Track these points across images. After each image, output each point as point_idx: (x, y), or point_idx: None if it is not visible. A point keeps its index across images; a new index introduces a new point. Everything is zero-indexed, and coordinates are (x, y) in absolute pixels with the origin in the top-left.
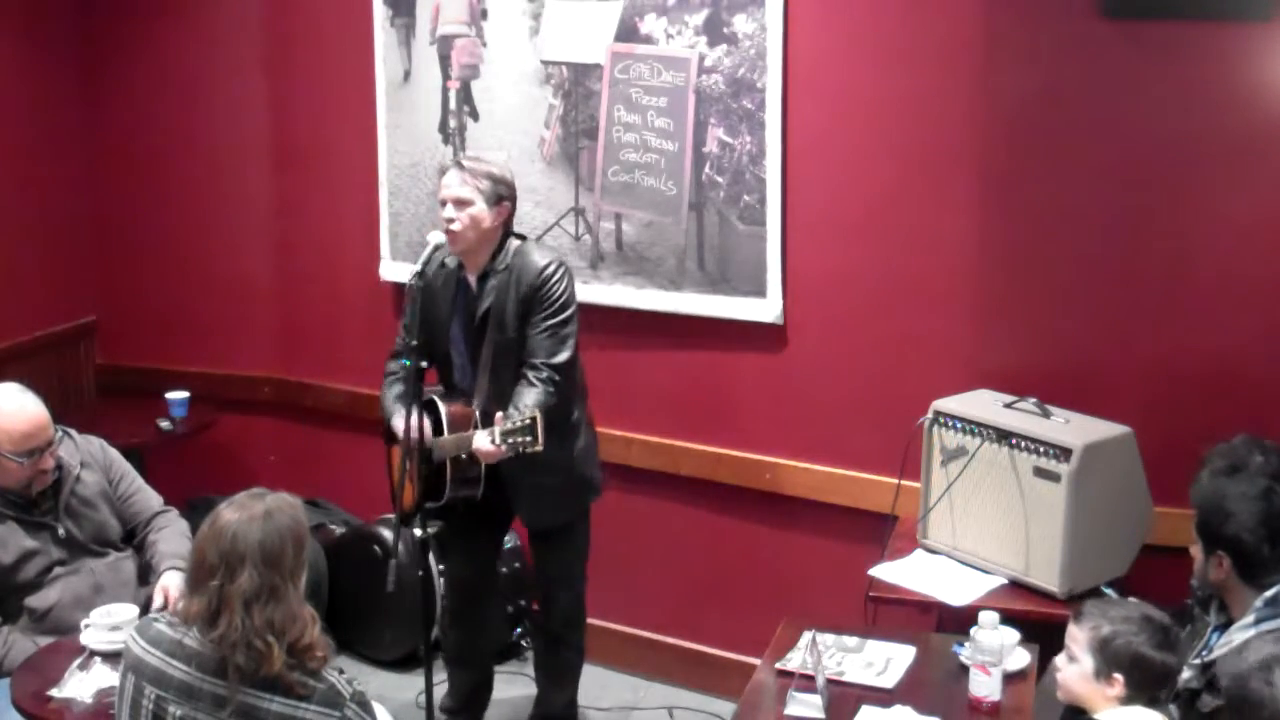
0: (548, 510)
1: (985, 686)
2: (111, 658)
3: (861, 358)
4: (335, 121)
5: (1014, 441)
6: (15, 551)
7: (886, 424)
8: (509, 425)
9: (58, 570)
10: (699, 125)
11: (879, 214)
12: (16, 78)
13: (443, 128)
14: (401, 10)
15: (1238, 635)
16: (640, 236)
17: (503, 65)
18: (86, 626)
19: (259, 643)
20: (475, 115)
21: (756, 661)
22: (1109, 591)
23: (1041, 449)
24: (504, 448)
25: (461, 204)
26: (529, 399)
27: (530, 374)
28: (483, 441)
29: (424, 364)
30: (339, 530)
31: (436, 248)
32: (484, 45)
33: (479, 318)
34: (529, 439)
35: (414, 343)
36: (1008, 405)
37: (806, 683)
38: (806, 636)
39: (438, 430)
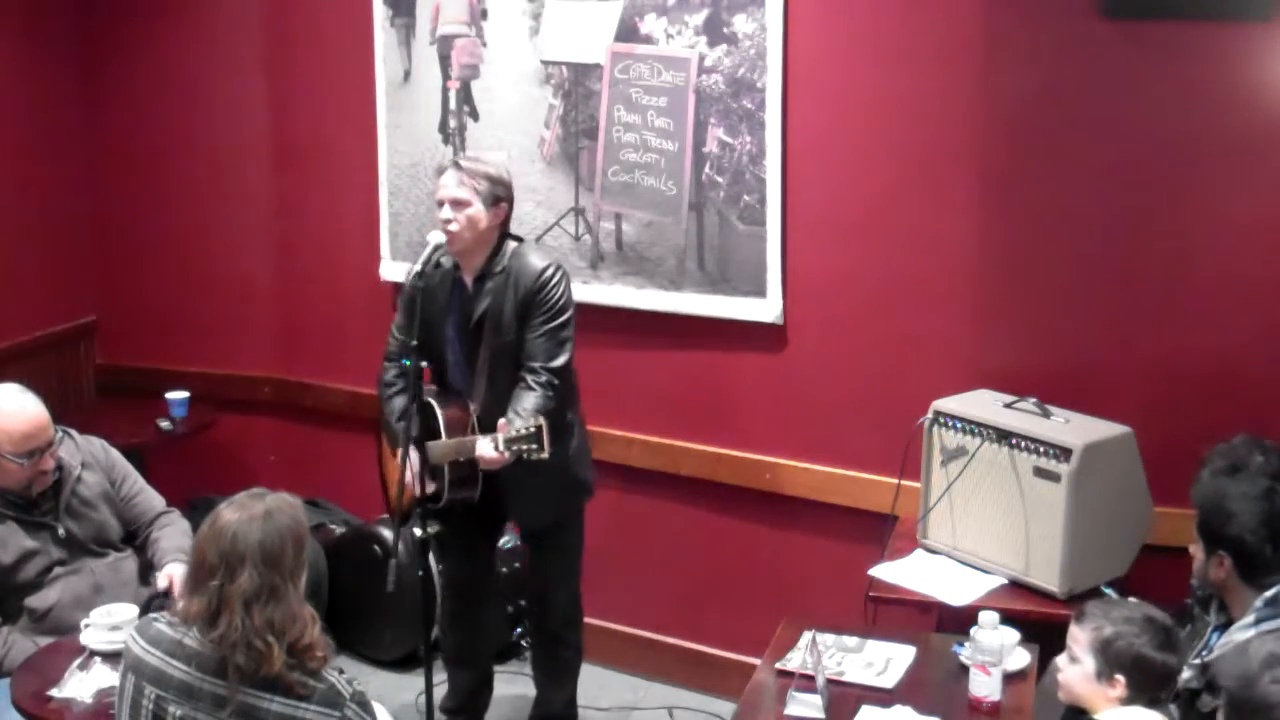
0: (542, 510)
1: (985, 686)
2: (111, 658)
3: (861, 358)
4: (335, 121)
5: (1014, 441)
6: (15, 551)
7: (886, 424)
8: (514, 432)
9: (58, 570)
10: (699, 125)
11: (879, 214)
12: (16, 78)
13: (443, 128)
14: (401, 10)
15: (1238, 635)
16: (640, 236)
17: (503, 65)
18: (86, 626)
19: (259, 643)
20: (475, 115)
21: (756, 661)
22: (1109, 591)
23: (1041, 449)
24: (507, 454)
25: (459, 205)
26: (528, 403)
27: (529, 377)
28: (486, 448)
29: (424, 364)
30: (339, 530)
31: (436, 248)
32: (484, 45)
33: (475, 320)
34: (534, 446)
35: (414, 343)
36: (1008, 405)
37: (806, 683)
38: (806, 636)
39: (435, 434)
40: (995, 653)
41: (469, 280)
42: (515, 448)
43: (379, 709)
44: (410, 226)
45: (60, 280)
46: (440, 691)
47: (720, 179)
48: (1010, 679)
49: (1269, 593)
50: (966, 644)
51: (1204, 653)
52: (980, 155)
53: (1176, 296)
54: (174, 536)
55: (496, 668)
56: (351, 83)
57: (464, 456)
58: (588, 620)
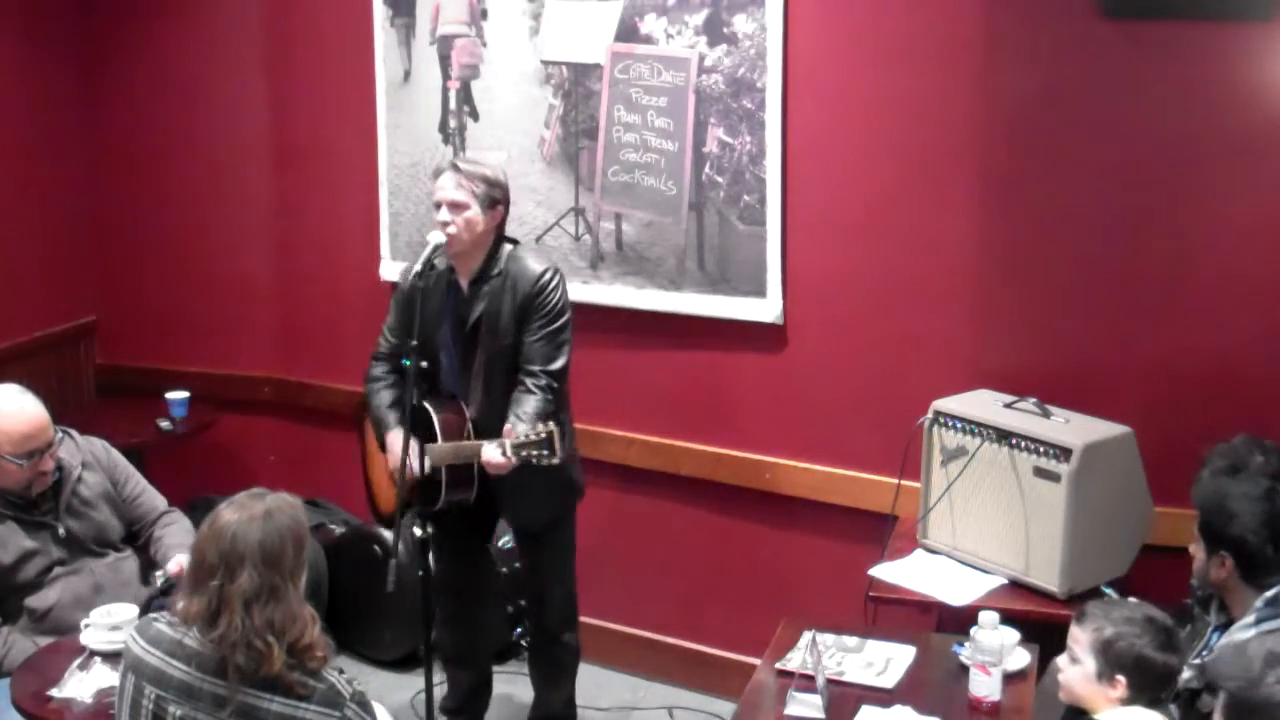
0: (536, 511)
1: (985, 686)
2: (111, 658)
3: (861, 358)
4: (335, 121)
5: (1014, 441)
6: (15, 552)
7: (886, 424)
8: (522, 439)
9: (58, 570)
10: (699, 125)
11: (879, 214)
12: (16, 78)
13: (443, 128)
14: (401, 10)
15: (1238, 635)
16: (640, 236)
17: (503, 65)
18: (86, 626)
19: (259, 643)
20: (475, 115)
21: (756, 661)
22: (1109, 591)
23: (1041, 449)
24: (514, 460)
25: (456, 207)
26: (529, 407)
27: (528, 381)
28: (493, 454)
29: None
30: (339, 530)
31: (436, 247)
32: (484, 45)
33: (472, 323)
34: (545, 452)
35: (414, 342)
36: (1008, 405)
37: (806, 683)
38: (806, 636)
39: (430, 437)
40: (995, 653)
41: (464, 283)
42: (524, 453)
43: (379, 709)
44: (410, 226)
45: (60, 280)
46: (440, 692)
47: (720, 179)
48: (1010, 679)
49: (1269, 593)
50: (966, 644)
51: (1204, 653)
52: (980, 155)
53: (1176, 296)
54: (178, 534)
55: (497, 668)
56: (351, 83)
57: (465, 460)
58: (588, 620)
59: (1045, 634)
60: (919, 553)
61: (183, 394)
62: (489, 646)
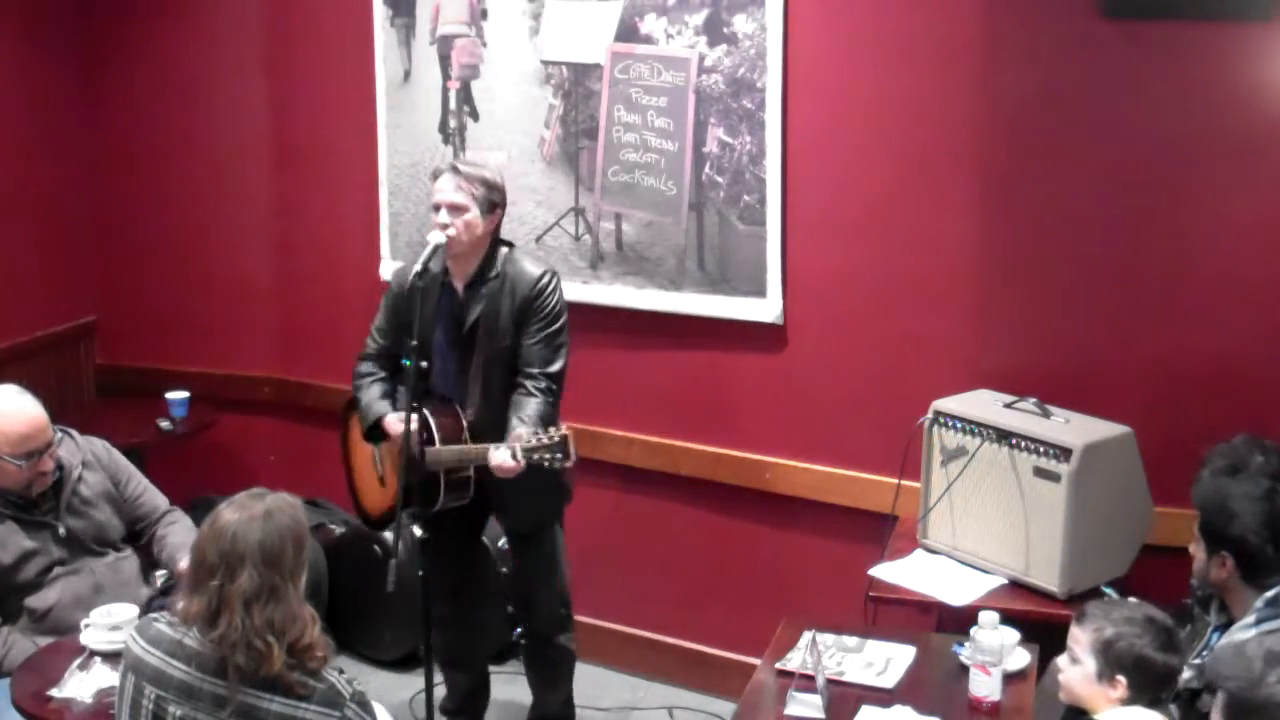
0: (528, 512)
1: (985, 686)
2: (111, 658)
3: (861, 358)
4: (335, 121)
5: (1014, 441)
6: (15, 551)
7: (886, 424)
8: (535, 442)
9: (58, 570)
10: (699, 125)
11: (879, 214)
12: (16, 78)
13: (443, 128)
14: (401, 10)
15: (1238, 635)
16: (640, 236)
17: (503, 65)
18: (86, 626)
19: (259, 643)
20: (475, 115)
21: (756, 661)
22: (1109, 591)
23: (1041, 449)
24: (524, 464)
25: (456, 209)
26: (531, 410)
27: (529, 383)
28: (503, 457)
29: (424, 364)
30: (339, 530)
31: (436, 248)
32: (484, 45)
33: (469, 326)
34: (559, 455)
35: (414, 342)
36: (1008, 405)
37: (806, 683)
38: (806, 636)
39: (429, 439)
40: (995, 653)
41: (460, 286)
42: (537, 456)
43: (379, 709)
44: (410, 226)
45: (60, 280)
46: (439, 693)
47: (720, 179)
48: (1010, 679)
49: (1269, 593)
50: (966, 644)
51: (1204, 653)
52: (980, 155)
53: (1176, 296)
54: (182, 533)
55: (498, 669)
56: (351, 83)
57: (469, 464)
58: (589, 620)
59: (1045, 634)
60: (919, 553)
61: (183, 394)
62: (485, 649)
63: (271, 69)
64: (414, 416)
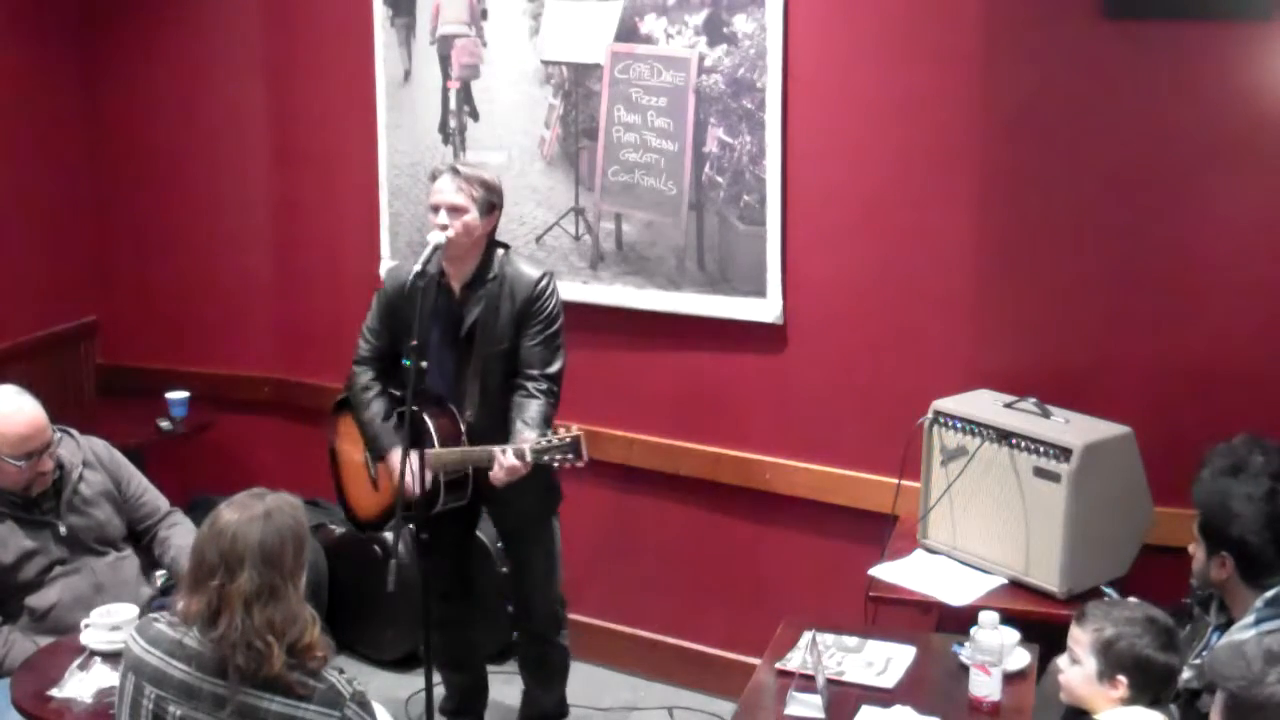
0: (522, 512)
1: (985, 686)
2: (111, 658)
3: (861, 358)
4: (335, 121)
5: (1014, 441)
6: (15, 551)
7: (886, 424)
8: (545, 443)
9: (58, 570)
10: (699, 125)
11: (879, 214)
12: (17, 77)
13: (443, 128)
14: (401, 10)
15: (1238, 635)
16: (640, 236)
17: (503, 65)
18: (86, 626)
19: (259, 643)
20: (475, 115)
21: (756, 661)
22: (1109, 591)
23: (1041, 449)
24: (532, 465)
25: (455, 210)
26: (533, 411)
27: (530, 385)
28: (511, 459)
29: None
30: (339, 530)
31: (436, 249)
32: (484, 45)
33: (467, 328)
34: (571, 456)
35: (414, 342)
36: (1008, 405)
37: (806, 683)
38: (806, 636)
39: (427, 442)
40: (995, 653)
41: (456, 287)
42: (548, 457)
43: (379, 709)
44: (410, 226)
45: (61, 280)
46: (439, 693)
47: (720, 179)
48: (1010, 679)
49: (1269, 593)
50: (966, 644)
51: (1204, 653)
52: (980, 155)
53: (1177, 296)
54: (185, 534)
55: (498, 668)
56: (351, 83)
57: (473, 466)
58: (589, 620)
59: (1045, 634)
60: (919, 553)
61: (183, 394)
62: (482, 650)
63: (272, 69)
64: (409, 445)
